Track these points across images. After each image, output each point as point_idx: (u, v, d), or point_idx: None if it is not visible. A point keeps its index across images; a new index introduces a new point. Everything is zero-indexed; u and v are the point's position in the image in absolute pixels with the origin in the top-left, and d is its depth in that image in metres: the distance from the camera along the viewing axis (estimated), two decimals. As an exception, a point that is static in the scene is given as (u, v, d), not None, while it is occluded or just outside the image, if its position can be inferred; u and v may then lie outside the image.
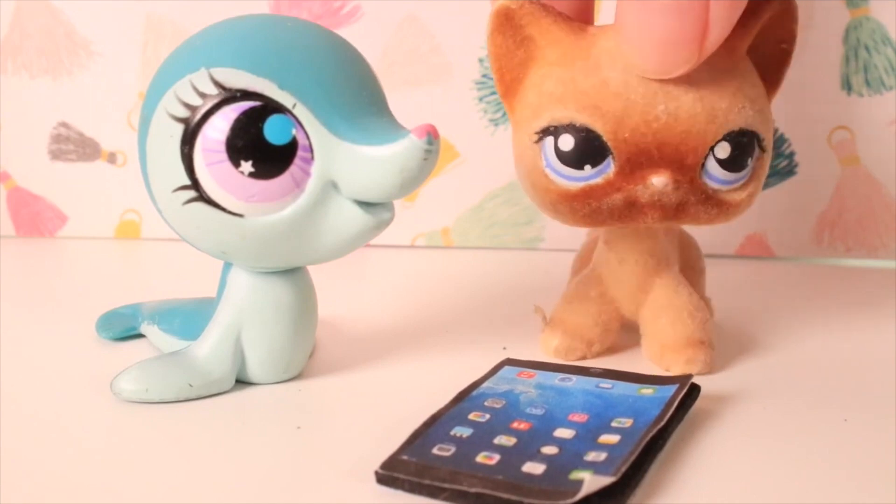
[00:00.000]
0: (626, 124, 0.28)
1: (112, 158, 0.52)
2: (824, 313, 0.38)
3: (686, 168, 0.28)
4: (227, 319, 0.29)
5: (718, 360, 0.32)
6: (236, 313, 0.29)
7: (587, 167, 0.28)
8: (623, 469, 0.22)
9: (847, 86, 0.47)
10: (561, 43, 0.29)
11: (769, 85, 0.30)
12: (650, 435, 0.24)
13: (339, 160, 0.26)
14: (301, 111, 0.25)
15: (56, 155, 0.52)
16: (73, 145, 0.52)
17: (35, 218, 0.53)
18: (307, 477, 0.24)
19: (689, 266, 0.34)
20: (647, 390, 0.27)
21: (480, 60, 0.49)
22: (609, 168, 0.28)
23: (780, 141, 0.48)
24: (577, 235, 0.49)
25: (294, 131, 0.25)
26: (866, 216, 0.48)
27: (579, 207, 0.29)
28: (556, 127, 0.29)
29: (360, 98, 0.27)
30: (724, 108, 0.28)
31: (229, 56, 0.26)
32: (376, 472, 0.23)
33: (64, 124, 0.52)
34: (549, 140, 0.29)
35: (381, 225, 0.27)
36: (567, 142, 0.28)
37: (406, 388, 0.30)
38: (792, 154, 0.48)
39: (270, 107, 0.25)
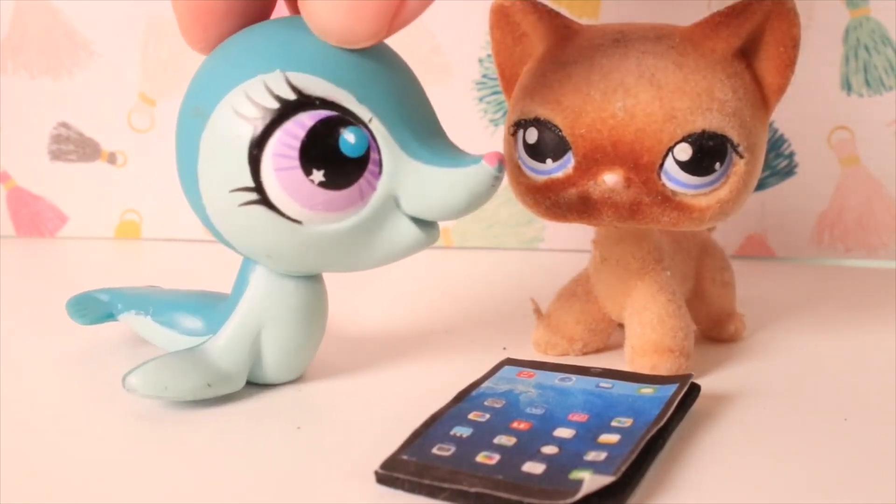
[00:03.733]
0: (582, 120, 0.28)
1: (112, 158, 0.52)
2: (824, 313, 0.38)
3: (641, 167, 0.28)
4: (248, 319, 0.28)
5: (719, 360, 0.32)
6: (258, 313, 0.28)
7: (549, 161, 0.29)
8: (623, 468, 0.22)
9: (847, 86, 0.47)
10: (545, 39, 0.30)
11: (772, 90, 0.29)
12: (650, 434, 0.24)
13: (406, 178, 0.26)
14: (376, 126, 0.25)
15: (56, 155, 0.52)
16: (73, 145, 0.52)
17: (35, 218, 0.53)
18: (307, 477, 0.24)
19: (710, 278, 0.34)
20: (647, 390, 0.27)
21: (480, 60, 0.49)
22: (569, 163, 0.28)
23: (780, 141, 0.48)
24: (577, 236, 0.49)
25: (368, 145, 0.25)
26: (866, 216, 0.48)
27: (541, 200, 0.29)
28: (525, 120, 0.29)
29: (427, 119, 0.27)
30: (685, 107, 0.27)
31: (307, 62, 0.25)
32: (376, 472, 0.23)
33: (64, 124, 0.52)
34: (521, 133, 0.29)
35: (430, 241, 0.27)
36: (532, 135, 0.29)
37: (406, 388, 0.30)
38: (792, 154, 0.48)
39: (348, 118, 0.25)
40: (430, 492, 0.22)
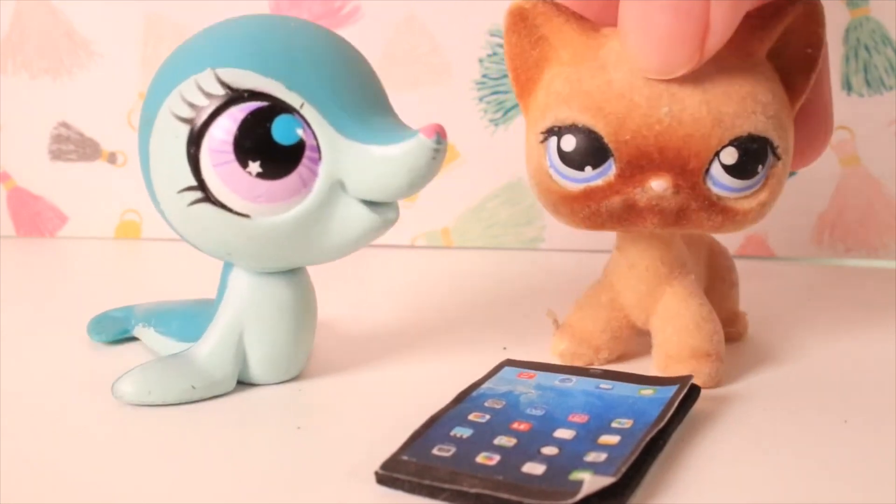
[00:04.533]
0: (627, 126, 0.27)
1: (112, 158, 0.52)
2: (824, 313, 0.38)
3: (688, 173, 0.27)
4: (229, 320, 0.29)
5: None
6: (238, 314, 0.29)
7: (588, 168, 0.28)
8: (623, 469, 0.22)
9: (847, 86, 0.47)
10: (572, 43, 0.29)
11: (794, 91, 0.29)
12: (650, 435, 0.24)
13: (346, 160, 0.26)
14: (309, 111, 0.25)
15: (56, 155, 0.52)
16: (73, 145, 0.52)
17: (35, 218, 0.53)
18: (307, 477, 0.24)
19: (720, 278, 0.34)
20: (647, 391, 0.27)
21: (480, 60, 0.49)
22: (610, 170, 0.28)
23: (780, 141, 0.48)
24: (577, 236, 0.49)
25: (301, 131, 0.25)
26: (866, 216, 0.48)
27: (579, 209, 0.29)
28: (559, 127, 0.28)
29: (365, 98, 0.27)
30: (732, 112, 0.27)
31: (235, 56, 0.25)
32: (376, 473, 0.23)
33: (64, 124, 0.52)
34: (553, 140, 0.28)
35: (386, 224, 0.27)
36: (569, 142, 0.28)
37: (406, 388, 0.30)
38: (792, 154, 0.48)
39: (278, 107, 0.25)
40: (431, 492, 0.22)
